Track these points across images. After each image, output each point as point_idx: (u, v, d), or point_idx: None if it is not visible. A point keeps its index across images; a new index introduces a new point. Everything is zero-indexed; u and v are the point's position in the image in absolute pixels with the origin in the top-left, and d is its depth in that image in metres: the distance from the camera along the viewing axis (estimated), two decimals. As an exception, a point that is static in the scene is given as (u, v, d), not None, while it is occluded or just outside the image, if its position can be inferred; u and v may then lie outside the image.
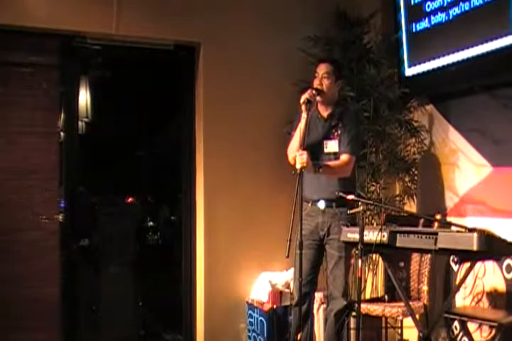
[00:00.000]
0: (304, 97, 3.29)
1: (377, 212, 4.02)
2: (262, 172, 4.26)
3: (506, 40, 3.21)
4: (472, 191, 3.76)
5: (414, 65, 3.94)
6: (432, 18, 3.75)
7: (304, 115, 3.29)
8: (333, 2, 4.32)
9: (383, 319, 3.86)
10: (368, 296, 4.03)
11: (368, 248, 2.94)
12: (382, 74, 4.01)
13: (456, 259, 3.79)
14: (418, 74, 3.92)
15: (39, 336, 3.89)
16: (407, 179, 4.13)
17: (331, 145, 3.42)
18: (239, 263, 4.22)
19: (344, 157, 3.39)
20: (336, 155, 3.41)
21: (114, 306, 5.03)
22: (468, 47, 3.48)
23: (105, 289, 5.12)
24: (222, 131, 4.23)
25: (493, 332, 3.21)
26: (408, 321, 3.49)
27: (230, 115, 4.25)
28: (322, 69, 3.44)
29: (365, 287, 3.99)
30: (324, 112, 3.50)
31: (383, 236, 2.92)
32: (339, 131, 3.43)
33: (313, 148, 3.34)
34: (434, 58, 3.76)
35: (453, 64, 3.62)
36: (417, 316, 3.38)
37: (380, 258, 3.70)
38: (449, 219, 3.83)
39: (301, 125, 3.30)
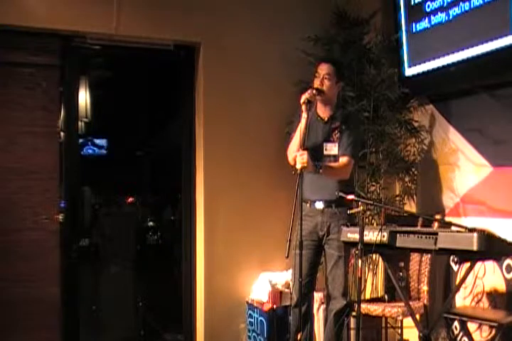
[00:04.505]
0: (304, 97, 3.28)
1: (377, 212, 4.01)
2: (262, 172, 4.26)
3: (506, 40, 3.20)
4: (472, 191, 3.76)
5: (414, 65, 3.94)
6: (432, 18, 3.75)
7: (304, 115, 3.29)
8: (334, 2, 4.31)
9: (383, 319, 3.86)
10: (368, 296, 4.03)
11: (368, 248, 2.94)
12: (382, 74, 4.00)
13: (456, 259, 3.79)
14: (418, 74, 3.92)
15: (39, 336, 3.89)
16: (407, 179, 4.13)
17: (331, 148, 3.42)
18: (239, 263, 4.22)
19: (344, 159, 3.39)
20: (335, 158, 3.41)
21: (114, 306, 5.04)
22: (468, 47, 3.48)
23: (105, 289, 5.12)
24: (222, 131, 4.23)
25: (493, 332, 3.21)
26: (408, 321, 3.49)
27: (230, 115, 4.25)
28: (324, 69, 3.43)
29: (365, 287, 3.99)
30: (323, 114, 3.49)
31: (383, 236, 2.92)
32: (339, 134, 3.43)
33: (314, 151, 3.33)
34: (434, 58, 3.76)
35: (453, 64, 3.62)
36: (417, 316, 3.38)
37: (380, 258, 3.70)
38: (448, 219, 3.82)
39: (302, 125, 3.30)
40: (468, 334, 3.48)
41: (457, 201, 3.87)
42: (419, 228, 3.34)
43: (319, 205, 3.42)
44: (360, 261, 2.95)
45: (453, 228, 2.89)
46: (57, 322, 3.97)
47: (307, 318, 3.49)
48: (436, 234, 2.76)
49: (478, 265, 3.46)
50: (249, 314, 4.14)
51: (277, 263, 4.10)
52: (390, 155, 4.06)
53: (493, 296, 3.56)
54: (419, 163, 4.16)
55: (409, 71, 3.99)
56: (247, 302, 4.18)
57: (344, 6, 4.29)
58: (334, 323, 3.42)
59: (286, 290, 4.03)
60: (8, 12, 3.73)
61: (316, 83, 3.41)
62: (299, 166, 3.12)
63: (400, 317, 3.58)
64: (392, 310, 3.52)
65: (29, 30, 3.84)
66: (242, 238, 4.22)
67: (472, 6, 3.43)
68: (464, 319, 3.39)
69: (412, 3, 3.92)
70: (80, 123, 4.81)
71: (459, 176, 3.87)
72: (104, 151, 6.69)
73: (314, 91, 3.33)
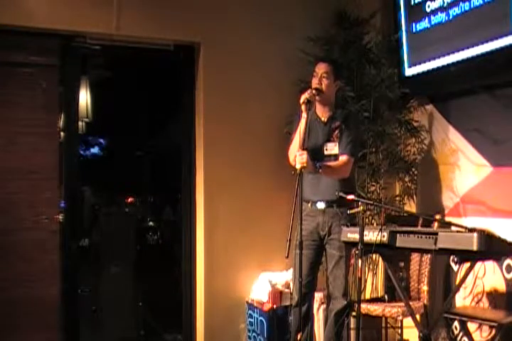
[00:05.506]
0: (303, 97, 3.29)
1: (377, 212, 4.02)
2: (262, 172, 4.26)
3: (506, 40, 3.20)
4: (472, 191, 3.76)
5: (414, 64, 3.94)
6: (432, 18, 3.75)
7: (304, 115, 3.29)
8: (334, 2, 4.32)
9: (383, 319, 3.86)
10: (368, 296, 4.03)
11: (368, 248, 2.94)
12: (382, 74, 4.01)
13: (456, 259, 3.79)
14: (418, 74, 3.92)
15: (39, 336, 3.89)
16: (407, 179, 4.13)
17: (332, 148, 3.43)
18: (239, 263, 4.22)
19: (343, 158, 3.40)
20: (335, 157, 3.42)
21: (114, 306, 5.03)
22: (468, 47, 3.48)
23: (105, 289, 5.12)
24: (222, 131, 4.23)
25: (493, 332, 3.21)
26: (408, 321, 3.49)
27: (230, 115, 4.25)
28: (321, 68, 3.44)
29: (365, 287, 3.99)
30: (323, 115, 3.50)
31: (383, 236, 2.92)
32: (339, 133, 3.43)
33: (314, 152, 3.33)
34: (434, 58, 3.76)
35: (453, 64, 3.62)
36: (417, 316, 3.38)
37: (380, 258, 3.70)
38: (448, 219, 3.82)
39: (301, 125, 3.30)
40: (468, 334, 3.48)
41: (457, 201, 3.87)
42: (419, 228, 3.34)
43: (321, 205, 3.42)
44: (360, 261, 2.95)
45: (453, 228, 2.88)
46: (57, 322, 3.97)
47: (307, 318, 3.50)
48: (436, 234, 2.76)
49: (478, 265, 3.46)
50: (249, 314, 4.14)
51: (277, 263, 4.10)
52: (390, 155, 4.06)
53: (493, 296, 3.56)
54: (419, 163, 4.16)
55: (409, 71, 3.99)
56: (247, 303, 4.18)
57: (344, 6, 4.30)
58: (334, 323, 3.42)
59: (286, 290, 4.03)
60: (8, 12, 3.73)
61: (314, 82, 3.42)
62: (298, 166, 3.12)
63: (400, 317, 3.58)
64: (392, 310, 3.52)
65: (29, 30, 3.84)
66: (242, 238, 4.22)
67: (472, 6, 3.43)
68: (464, 319, 3.39)
69: (412, 3, 3.92)
70: (80, 123, 4.80)
71: (459, 176, 3.87)
72: (104, 151, 6.69)
73: (314, 91, 3.33)
